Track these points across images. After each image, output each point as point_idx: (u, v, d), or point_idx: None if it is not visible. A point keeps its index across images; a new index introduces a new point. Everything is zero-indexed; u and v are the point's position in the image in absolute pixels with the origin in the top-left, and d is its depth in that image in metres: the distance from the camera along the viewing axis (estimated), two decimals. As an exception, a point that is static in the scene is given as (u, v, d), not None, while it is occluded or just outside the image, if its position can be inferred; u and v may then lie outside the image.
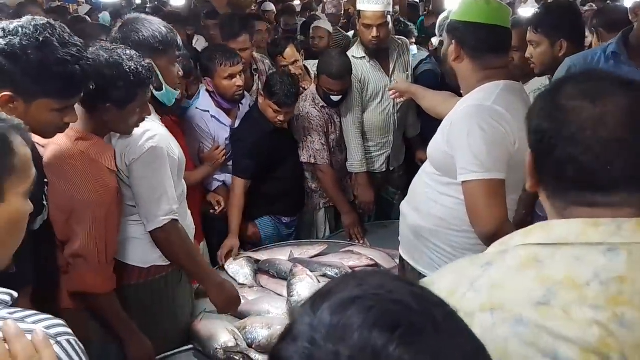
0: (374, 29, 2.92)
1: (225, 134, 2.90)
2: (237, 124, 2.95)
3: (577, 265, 0.79)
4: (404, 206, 2.01)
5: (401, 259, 2.08)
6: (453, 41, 1.80)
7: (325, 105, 3.03)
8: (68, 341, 0.81)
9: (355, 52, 3.09)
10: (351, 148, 3.09)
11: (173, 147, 1.95)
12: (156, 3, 7.65)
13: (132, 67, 1.69)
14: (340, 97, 2.97)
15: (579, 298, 0.77)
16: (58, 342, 0.79)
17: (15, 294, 0.86)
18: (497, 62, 1.78)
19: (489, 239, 1.66)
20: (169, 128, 2.11)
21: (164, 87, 2.01)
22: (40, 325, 0.79)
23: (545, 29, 2.38)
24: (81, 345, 0.82)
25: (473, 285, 0.84)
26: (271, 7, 6.51)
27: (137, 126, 1.81)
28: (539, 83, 2.70)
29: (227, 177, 2.93)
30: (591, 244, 0.81)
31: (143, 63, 1.73)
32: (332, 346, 0.52)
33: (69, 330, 0.83)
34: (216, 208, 2.82)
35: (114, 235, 1.79)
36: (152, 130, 1.86)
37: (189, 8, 5.78)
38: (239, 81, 2.79)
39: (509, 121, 1.66)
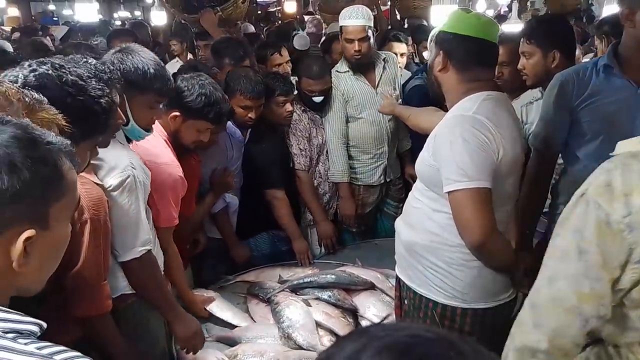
0: (356, 42, 3.02)
1: (239, 151, 2.82)
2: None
3: None
4: (399, 223, 1.97)
5: (397, 278, 2.02)
6: (441, 52, 1.78)
7: (307, 109, 3.05)
8: None
9: (339, 67, 3.18)
10: (333, 157, 3.11)
11: (145, 175, 1.87)
12: (141, 19, 7.58)
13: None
14: (322, 98, 3.01)
15: None
16: None
17: (44, 325, 0.83)
18: (483, 74, 1.77)
19: (478, 250, 1.67)
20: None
21: (130, 123, 1.87)
22: None
23: (539, 40, 2.37)
24: None
25: None
26: (251, 29, 6.49)
27: (114, 136, 1.71)
28: (530, 97, 2.69)
29: (232, 199, 2.83)
30: None
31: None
32: None
33: None
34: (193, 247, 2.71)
35: (108, 250, 1.70)
36: (127, 158, 1.78)
37: (171, 27, 5.72)
38: (253, 114, 2.68)
39: (492, 130, 1.64)
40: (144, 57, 1.87)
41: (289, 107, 2.83)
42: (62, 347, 0.81)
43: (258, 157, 2.82)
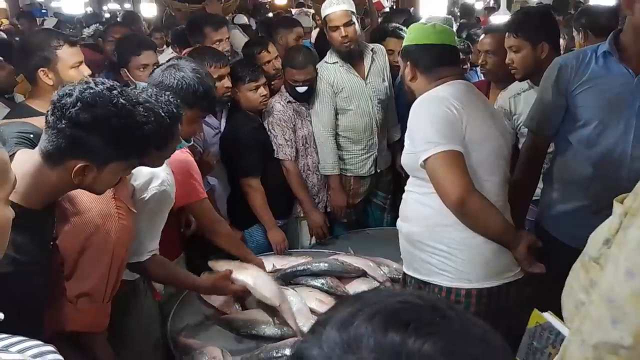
0: (341, 29, 3.01)
1: (213, 136, 2.86)
2: (222, 125, 2.92)
3: None
4: (398, 222, 2.04)
5: (404, 275, 2.09)
6: (408, 63, 1.99)
7: (293, 100, 3.04)
8: None
9: (328, 58, 3.16)
10: (323, 149, 3.10)
11: (172, 189, 1.99)
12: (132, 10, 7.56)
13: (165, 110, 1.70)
14: (305, 88, 3.00)
15: None
16: None
17: (1, 315, 0.81)
18: (447, 72, 1.96)
19: (459, 211, 1.78)
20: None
21: None
22: (27, 354, 0.76)
23: (526, 33, 2.40)
24: None
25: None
26: (244, 20, 6.49)
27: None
28: (518, 88, 2.71)
29: (215, 181, 2.87)
30: None
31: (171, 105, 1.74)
32: (353, 356, 0.51)
33: (60, 357, 0.79)
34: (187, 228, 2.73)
35: (121, 275, 1.73)
36: (164, 172, 1.92)
37: (161, 19, 5.71)
38: (227, 83, 2.73)
39: (455, 104, 1.81)
40: (192, 74, 2.01)
41: (262, 91, 2.84)
42: (20, 338, 0.79)
43: (233, 145, 2.84)
